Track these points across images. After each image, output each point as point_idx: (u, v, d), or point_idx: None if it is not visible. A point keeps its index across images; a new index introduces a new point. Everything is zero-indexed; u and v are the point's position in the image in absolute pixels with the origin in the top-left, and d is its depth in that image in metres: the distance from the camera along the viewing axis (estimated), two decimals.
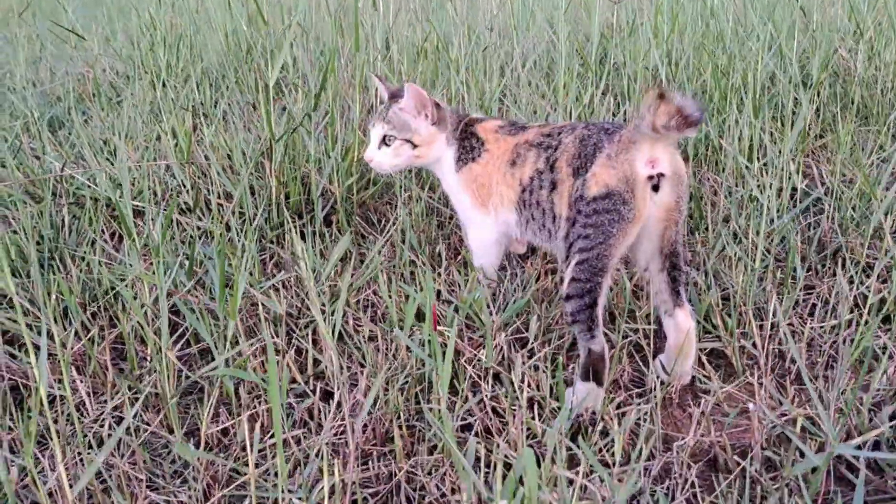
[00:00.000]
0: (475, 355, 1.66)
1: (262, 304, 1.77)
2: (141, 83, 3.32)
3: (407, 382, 1.56)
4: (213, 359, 1.69)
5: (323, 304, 1.79)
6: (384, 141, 1.85)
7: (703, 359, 1.67)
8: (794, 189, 2.24)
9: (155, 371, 1.65)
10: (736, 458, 1.40)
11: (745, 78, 2.62)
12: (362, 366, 1.68)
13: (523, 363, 1.60)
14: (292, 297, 1.91)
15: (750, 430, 1.45)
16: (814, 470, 1.32)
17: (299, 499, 1.25)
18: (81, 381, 1.63)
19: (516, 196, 1.75)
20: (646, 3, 3.89)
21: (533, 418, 1.51)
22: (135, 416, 1.56)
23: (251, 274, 1.94)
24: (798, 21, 3.10)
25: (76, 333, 1.77)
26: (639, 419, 1.53)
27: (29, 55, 3.95)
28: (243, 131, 2.78)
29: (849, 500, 1.32)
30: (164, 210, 2.32)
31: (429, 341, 1.62)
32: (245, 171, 2.20)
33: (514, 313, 1.79)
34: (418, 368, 1.59)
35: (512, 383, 1.56)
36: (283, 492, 1.25)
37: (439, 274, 2.02)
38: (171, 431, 1.53)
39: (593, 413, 1.53)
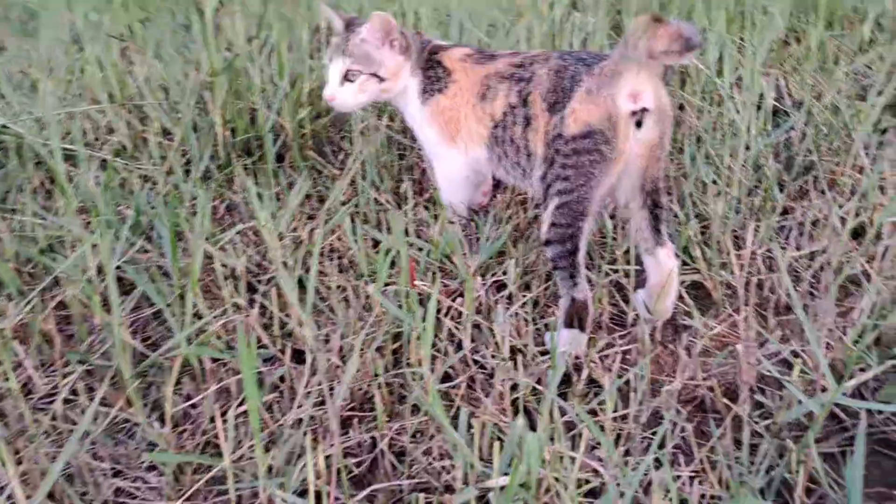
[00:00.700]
0: (450, 306, 1.58)
1: (219, 261, 1.64)
2: (56, 4, 3.02)
3: (385, 341, 1.48)
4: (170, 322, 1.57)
5: (285, 259, 1.67)
6: (346, 77, 1.69)
7: (683, 292, 1.63)
8: (762, 105, 2.16)
9: (106, 342, 1.53)
10: (727, 401, 1.37)
11: None
12: (332, 322, 1.59)
13: (505, 310, 1.52)
14: (249, 249, 1.79)
15: (738, 369, 1.42)
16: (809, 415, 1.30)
17: (281, 485, 1.18)
18: (27, 355, 1.51)
19: (487, 132, 1.64)
20: None
21: (516, 367, 1.46)
22: (90, 396, 1.45)
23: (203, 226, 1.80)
24: None
25: (10, 299, 1.62)
26: (624, 362, 1.49)
27: None
28: (179, 60, 2.56)
29: (842, 443, 1.30)
30: (100, 156, 2.13)
31: (406, 295, 1.53)
32: (188, 108, 2.01)
33: (490, 256, 1.70)
34: (396, 326, 1.51)
35: (493, 333, 1.49)
36: (262, 478, 1.17)
37: (405, 213, 1.92)
38: (130, 404, 1.43)
39: (577, 358, 1.48)
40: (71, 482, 1.26)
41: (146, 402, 1.44)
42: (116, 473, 1.30)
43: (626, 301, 1.64)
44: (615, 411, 1.36)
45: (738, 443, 1.29)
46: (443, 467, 1.26)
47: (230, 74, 2.08)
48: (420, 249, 1.74)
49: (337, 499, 1.20)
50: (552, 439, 1.26)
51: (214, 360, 1.48)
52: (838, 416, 1.35)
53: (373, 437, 1.33)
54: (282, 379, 1.47)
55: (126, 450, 1.31)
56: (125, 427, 1.40)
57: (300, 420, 1.33)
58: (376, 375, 1.39)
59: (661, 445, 1.30)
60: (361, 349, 1.42)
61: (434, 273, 1.71)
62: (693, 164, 1.93)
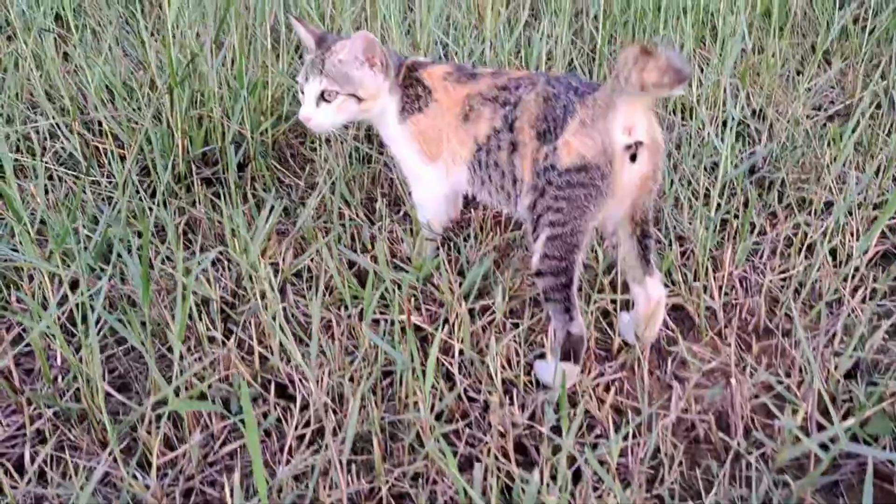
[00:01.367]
0: (435, 332, 1.54)
1: (192, 291, 1.55)
2: None
3: (376, 378, 1.43)
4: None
5: (262, 288, 1.59)
6: (323, 97, 1.61)
7: (666, 316, 1.64)
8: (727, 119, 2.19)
9: (76, 380, 1.44)
10: (723, 435, 1.39)
11: None
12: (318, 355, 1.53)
13: (496, 341, 1.50)
14: (222, 274, 1.70)
15: (728, 399, 1.44)
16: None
17: None
18: None
19: (470, 154, 1.60)
20: None
21: (511, 402, 1.44)
22: (59, 441, 1.36)
23: (170, 254, 1.70)
24: None
25: None
26: (613, 387, 1.49)
27: None
28: (123, 58, 2.40)
29: (830, 471, 1.34)
30: (48, 167, 1.99)
31: (393, 326, 1.49)
32: (141, 116, 1.89)
33: (474, 281, 1.67)
34: (386, 363, 1.46)
35: (488, 368, 1.46)
36: None
37: (379, 229, 1.86)
38: (104, 445, 1.35)
39: (572, 391, 1.47)
40: None
41: (122, 444, 1.36)
42: None
43: (611, 326, 1.64)
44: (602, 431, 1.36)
45: (732, 476, 1.31)
46: None
47: (185, 77, 1.96)
48: (398, 268, 1.69)
49: None
50: (553, 478, 1.26)
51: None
52: (826, 446, 1.39)
53: (372, 487, 1.29)
54: (265, 414, 1.41)
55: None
56: (107, 480, 1.31)
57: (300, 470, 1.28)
58: (369, 415, 1.35)
59: (661, 481, 1.31)
60: (350, 384, 1.37)
61: (415, 297, 1.68)
62: (669, 183, 1.94)
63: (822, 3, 2.76)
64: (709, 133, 2.03)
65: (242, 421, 1.38)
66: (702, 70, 2.38)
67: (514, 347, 1.53)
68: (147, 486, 1.24)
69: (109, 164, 2.04)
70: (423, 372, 1.32)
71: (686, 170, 1.99)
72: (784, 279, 1.74)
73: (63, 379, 1.47)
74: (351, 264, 1.78)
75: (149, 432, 1.33)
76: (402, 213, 1.96)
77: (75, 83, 2.30)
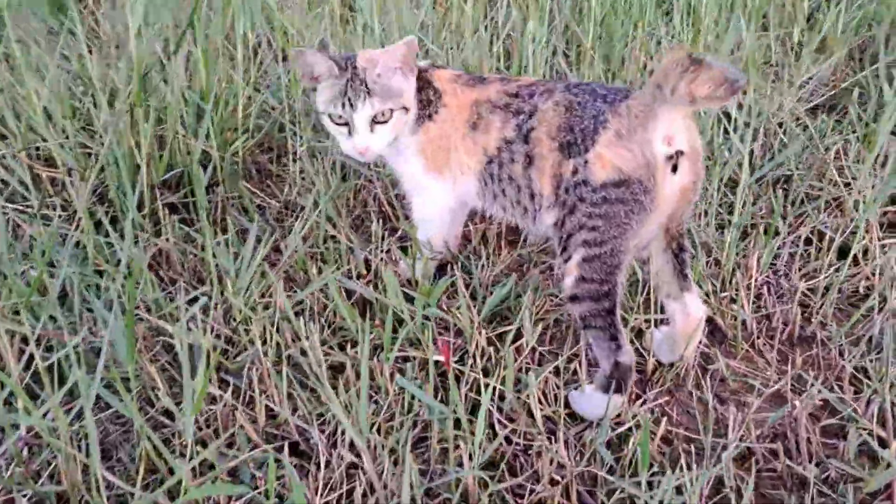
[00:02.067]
0: (461, 368, 1.39)
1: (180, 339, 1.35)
2: None
3: (408, 432, 1.26)
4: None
5: (261, 334, 1.40)
6: (375, 120, 1.42)
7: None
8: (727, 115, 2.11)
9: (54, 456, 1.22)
10: (792, 464, 1.28)
11: None
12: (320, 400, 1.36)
13: (533, 374, 1.35)
14: (210, 316, 1.50)
15: (785, 423, 1.34)
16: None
17: None
18: None
19: (479, 165, 1.45)
20: None
21: (553, 441, 1.30)
22: None
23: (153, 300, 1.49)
24: None
25: None
26: (656, 413, 1.38)
27: None
28: (55, 68, 2.15)
29: None
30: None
31: (422, 367, 1.32)
32: (104, 137, 1.65)
33: (494, 306, 1.52)
34: (412, 411, 1.30)
35: (528, 406, 1.32)
36: None
37: (374, 252, 1.69)
38: None
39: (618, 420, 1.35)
40: None
41: None
42: None
43: (641, 343, 1.52)
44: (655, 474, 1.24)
45: None
46: None
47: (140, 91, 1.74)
48: (407, 298, 1.53)
49: None
50: None
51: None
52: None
53: None
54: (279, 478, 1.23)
55: None
56: None
57: None
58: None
59: None
60: (393, 450, 1.20)
61: (429, 327, 1.52)
62: None
63: None
64: (712, 133, 1.93)
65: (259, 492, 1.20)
66: None
67: (550, 379, 1.39)
68: None
69: (58, 194, 1.80)
70: (468, 420, 1.17)
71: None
72: (810, 284, 1.66)
73: (32, 454, 1.25)
74: (349, 293, 1.61)
75: None
76: (397, 232, 1.79)
77: (8, 103, 2.04)
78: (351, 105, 1.41)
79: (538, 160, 1.35)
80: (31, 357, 1.28)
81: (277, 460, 1.24)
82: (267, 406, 1.33)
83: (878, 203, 1.61)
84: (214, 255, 1.50)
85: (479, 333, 1.47)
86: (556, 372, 1.42)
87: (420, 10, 2.25)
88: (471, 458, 1.18)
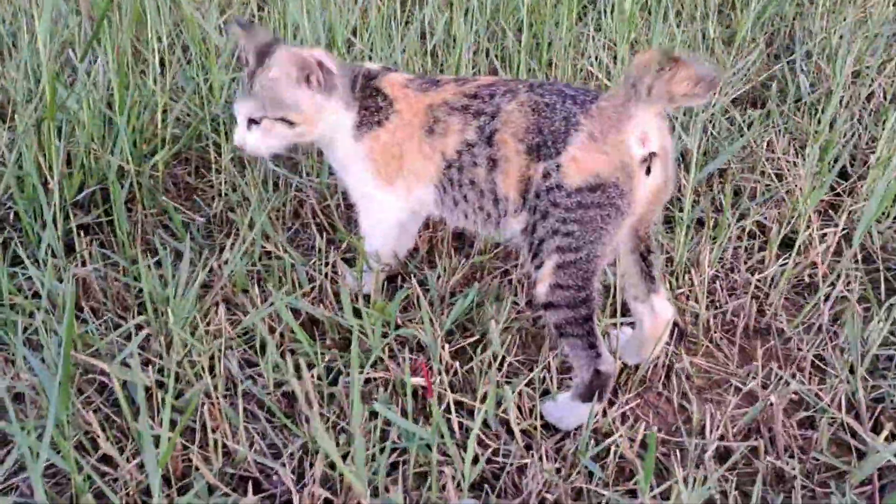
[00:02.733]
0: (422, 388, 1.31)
1: (118, 379, 1.21)
2: None
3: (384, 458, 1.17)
4: None
5: (200, 367, 1.27)
6: (252, 119, 1.36)
7: None
8: None
9: None
10: (773, 460, 1.27)
11: None
12: (291, 435, 1.25)
13: (508, 388, 1.29)
14: (143, 347, 1.36)
15: (758, 418, 1.33)
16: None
17: None
18: None
19: (437, 171, 1.38)
20: None
21: (531, 455, 1.24)
22: None
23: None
24: None
25: None
26: (630, 418, 1.35)
27: None
28: None
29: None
30: None
31: (386, 387, 1.24)
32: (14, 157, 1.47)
33: (456, 319, 1.45)
34: (385, 438, 1.21)
35: (506, 422, 1.25)
36: None
37: (314, 267, 1.59)
38: None
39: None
40: None
41: None
42: None
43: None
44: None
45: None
46: None
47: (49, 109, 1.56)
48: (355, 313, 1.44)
49: None
50: None
51: None
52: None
53: None
54: None
55: None
56: None
57: None
58: None
59: None
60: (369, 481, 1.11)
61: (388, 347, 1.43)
62: None
63: None
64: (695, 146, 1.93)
65: None
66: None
67: (526, 392, 1.33)
68: None
69: None
70: (456, 445, 1.09)
71: None
72: (759, 277, 1.67)
73: None
74: (294, 313, 1.50)
75: None
76: (336, 244, 1.69)
77: None
78: (236, 100, 1.39)
79: (503, 163, 1.29)
80: None
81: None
82: (224, 444, 1.21)
83: (819, 194, 1.64)
84: (145, 281, 1.36)
85: (443, 348, 1.40)
86: (529, 383, 1.36)
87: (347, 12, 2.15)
88: (458, 484, 1.10)
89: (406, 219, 1.50)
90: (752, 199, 1.87)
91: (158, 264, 1.57)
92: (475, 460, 1.20)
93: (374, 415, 1.25)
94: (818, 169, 1.86)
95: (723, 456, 1.29)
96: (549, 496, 1.16)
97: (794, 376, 1.44)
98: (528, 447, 1.27)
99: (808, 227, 1.73)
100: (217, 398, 1.24)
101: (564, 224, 1.23)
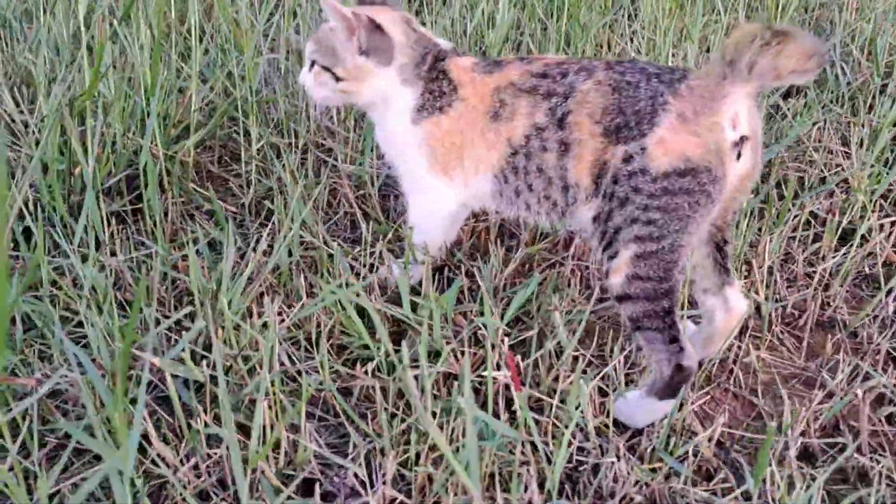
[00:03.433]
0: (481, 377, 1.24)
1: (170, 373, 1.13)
2: None
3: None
4: None
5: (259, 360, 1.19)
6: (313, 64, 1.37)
7: None
8: None
9: None
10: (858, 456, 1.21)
11: None
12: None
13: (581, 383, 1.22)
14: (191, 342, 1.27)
15: (846, 411, 1.27)
16: None
17: None
18: None
19: (502, 160, 1.30)
20: None
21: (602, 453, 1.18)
22: None
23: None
24: None
25: None
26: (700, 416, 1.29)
27: None
28: None
29: None
30: None
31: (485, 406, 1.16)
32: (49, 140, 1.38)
33: (516, 311, 1.38)
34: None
35: (582, 419, 1.18)
36: None
37: (359, 259, 1.51)
38: None
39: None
40: None
41: None
42: None
43: None
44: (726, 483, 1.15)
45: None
46: None
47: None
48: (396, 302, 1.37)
49: None
50: None
51: None
52: None
53: None
54: None
55: None
56: None
57: None
58: None
59: None
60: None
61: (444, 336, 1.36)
62: None
63: None
64: None
65: None
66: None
67: (597, 385, 1.27)
68: None
69: None
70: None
71: None
72: (822, 267, 1.62)
73: None
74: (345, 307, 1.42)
75: None
76: (384, 235, 1.62)
77: None
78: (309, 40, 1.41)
79: (576, 147, 1.21)
80: None
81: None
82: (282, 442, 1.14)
83: (882, 185, 1.59)
84: (193, 271, 1.27)
85: (502, 341, 1.33)
86: (602, 377, 1.30)
87: None
88: (541, 486, 1.04)
89: (457, 210, 1.43)
90: (802, 189, 1.82)
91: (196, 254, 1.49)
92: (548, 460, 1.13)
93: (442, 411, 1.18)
94: (870, 159, 1.82)
95: (802, 454, 1.24)
96: (637, 497, 1.09)
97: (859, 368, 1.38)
98: (600, 446, 1.20)
99: (861, 216, 1.68)
100: (276, 394, 1.16)
101: (646, 211, 1.16)
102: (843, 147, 1.94)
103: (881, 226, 1.67)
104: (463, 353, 1.32)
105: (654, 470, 1.16)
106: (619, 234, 1.19)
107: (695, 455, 1.20)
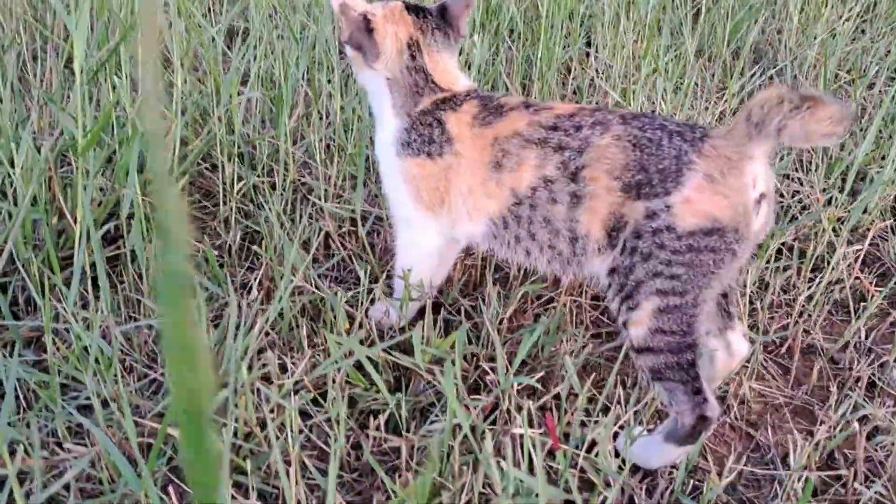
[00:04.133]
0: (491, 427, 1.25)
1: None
2: None
3: None
4: None
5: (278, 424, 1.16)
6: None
7: None
8: None
9: None
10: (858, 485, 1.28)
11: None
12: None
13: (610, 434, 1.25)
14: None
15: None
16: None
17: None
18: None
19: (503, 208, 1.31)
20: None
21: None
22: None
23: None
24: None
25: None
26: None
27: None
28: None
29: None
30: None
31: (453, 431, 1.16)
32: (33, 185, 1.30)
33: (526, 354, 1.40)
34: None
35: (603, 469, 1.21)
36: None
37: (352, 299, 1.50)
38: None
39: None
40: None
41: None
42: None
43: None
44: None
45: None
46: None
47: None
48: (402, 349, 1.36)
49: None
50: None
51: None
52: None
53: None
54: None
55: None
56: None
57: None
58: None
59: None
60: None
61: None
62: None
63: None
64: None
65: None
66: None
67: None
68: None
69: None
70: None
71: None
72: (792, 295, 1.70)
73: None
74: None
75: None
76: (378, 276, 1.60)
77: None
78: None
79: (589, 200, 1.23)
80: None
81: None
82: None
83: (852, 219, 1.67)
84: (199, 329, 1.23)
85: (512, 386, 1.34)
86: (617, 422, 1.32)
87: None
88: None
89: (444, 246, 1.44)
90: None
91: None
92: None
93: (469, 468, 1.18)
94: (826, 185, 1.92)
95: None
96: None
97: (848, 397, 1.46)
98: (621, 489, 1.23)
99: (828, 243, 1.77)
100: (296, 459, 1.14)
101: (669, 266, 1.18)
102: (798, 173, 2.04)
103: (844, 254, 1.77)
104: (476, 402, 1.32)
105: None
106: (640, 286, 1.21)
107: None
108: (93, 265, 1.50)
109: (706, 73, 2.41)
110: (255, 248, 1.61)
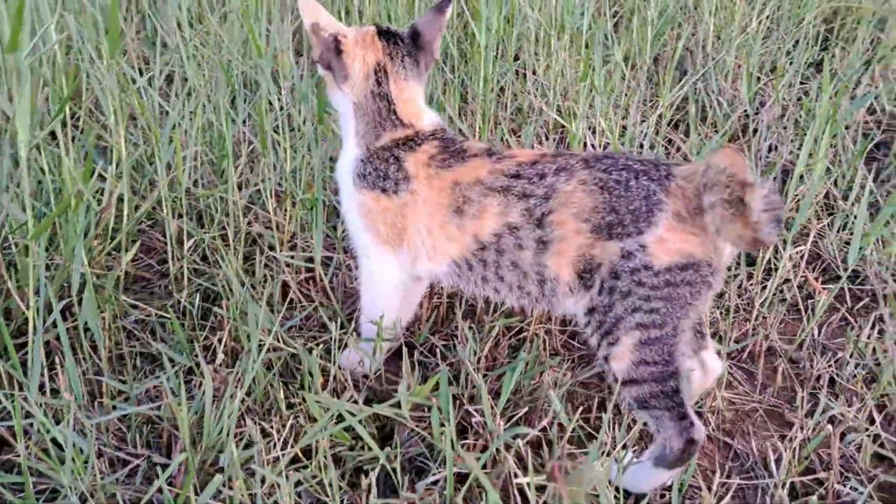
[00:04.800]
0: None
1: None
2: None
3: None
4: None
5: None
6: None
7: None
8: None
9: None
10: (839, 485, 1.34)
11: None
12: None
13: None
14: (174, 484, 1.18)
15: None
16: None
17: None
18: None
19: (465, 251, 1.32)
20: None
21: None
22: None
23: None
24: None
25: None
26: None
27: None
28: None
29: None
30: None
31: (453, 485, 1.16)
32: None
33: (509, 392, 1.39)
34: None
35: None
36: None
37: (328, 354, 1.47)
38: None
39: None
40: None
41: None
42: None
43: None
44: None
45: None
46: None
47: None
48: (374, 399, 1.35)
49: None
50: None
51: None
52: None
53: None
54: None
55: None
56: None
57: None
58: None
59: None
60: None
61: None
62: None
63: None
64: None
65: None
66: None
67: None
68: None
69: None
70: None
71: None
72: (747, 298, 1.76)
73: None
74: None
75: None
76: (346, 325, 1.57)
77: None
78: None
79: (557, 244, 1.24)
80: None
81: None
82: None
83: (794, 228, 1.73)
84: (180, 413, 1.18)
85: (501, 429, 1.34)
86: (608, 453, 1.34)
87: None
88: None
89: (408, 280, 1.43)
90: None
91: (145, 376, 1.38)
92: None
93: None
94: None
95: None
96: None
97: (813, 396, 1.53)
98: None
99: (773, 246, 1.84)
100: None
101: (648, 301, 1.20)
102: None
103: (790, 255, 1.84)
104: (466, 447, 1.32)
105: None
106: (620, 322, 1.23)
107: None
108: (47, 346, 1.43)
109: (632, 82, 2.46)
110: (215, 308, 1.55)
